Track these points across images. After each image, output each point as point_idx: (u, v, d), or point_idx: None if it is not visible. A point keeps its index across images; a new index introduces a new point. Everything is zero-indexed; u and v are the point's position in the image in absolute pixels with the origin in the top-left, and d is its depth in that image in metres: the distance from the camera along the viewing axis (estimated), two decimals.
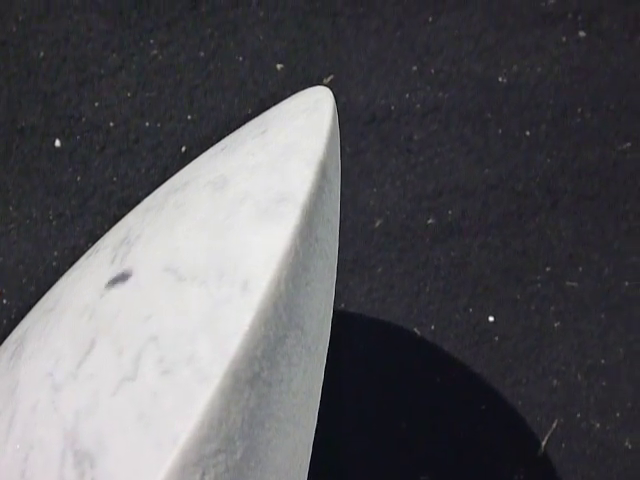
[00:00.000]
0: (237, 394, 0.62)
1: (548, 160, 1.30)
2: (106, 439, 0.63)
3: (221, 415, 0.61)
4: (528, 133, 1.31)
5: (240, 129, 0.88)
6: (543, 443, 1.17)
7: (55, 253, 1.23)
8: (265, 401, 0.64)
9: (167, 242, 0.73)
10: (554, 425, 1.18)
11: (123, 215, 1.20)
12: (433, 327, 1.21)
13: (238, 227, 0.69)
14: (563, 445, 1.18)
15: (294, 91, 1.05)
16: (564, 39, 1.38)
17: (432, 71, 1.35)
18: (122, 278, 0.73)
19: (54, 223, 1.24)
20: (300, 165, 0.71)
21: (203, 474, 0.60)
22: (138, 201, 1.21)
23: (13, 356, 0.80)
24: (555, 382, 1.20)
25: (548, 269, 1.25)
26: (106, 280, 0.75)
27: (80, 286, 0.79)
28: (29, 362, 0.76)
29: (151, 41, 1.34)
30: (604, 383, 1.21)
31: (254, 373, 0.63)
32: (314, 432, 0.73)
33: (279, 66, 1.34)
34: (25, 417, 0.71)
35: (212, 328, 0.63)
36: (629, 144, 1.31)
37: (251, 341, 0.62)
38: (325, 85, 1.32)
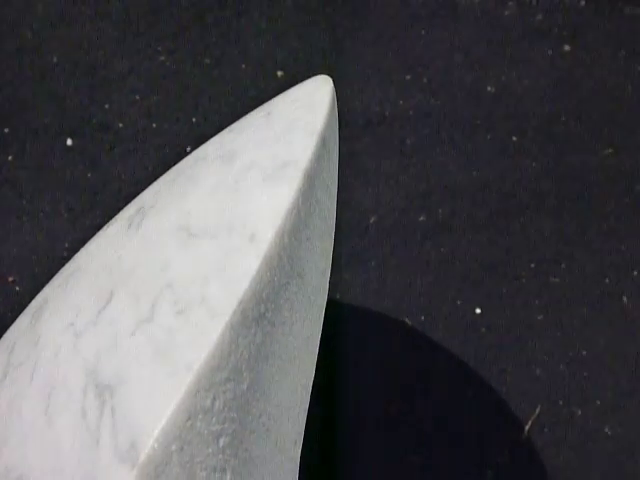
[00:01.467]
0: (245, 330, 0.68)
1: (533, 164, 1.37)
2: (125, 372, 0.69)
3: (230, 347, 0.67)
4: (515, 139, 1.38)
5: (245, 116, 0.95)
6: (526, 428, 1.23)
7: (66, 245, 1.29)
8: (269, 339, 0.71)
9: (179, 207, 0.80)
10: (537, 411, 1.24)
11: None
12: (423, 318, 1.27)
13: (246, 190, 0.76)
14: (545, 430, 1.23)
15: None
16: (550, 52, 1.46)
17: (425, 80, 1.42)
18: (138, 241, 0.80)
19: (65, 216, 1.31)
20: (302, 135, 0.78)
21: (214, 399, 0.67)
22: None
23: (33, 318, 0.86)
24: (538, 371, 1.26)
25: (532, 265, 1.31)
26: (123, 242, 0.82)
27: (98, 252, 0.86)
28: (50, 319, 0.83)
29: (159, 48, 1.42)
30: (585, 373, 1.26)
31: (260, 313, 0.70)
32: (312, 379, 0.79)
33: (279, 73, 1.42)
34: (48, 362, 0.77)
35: (223, 273, 0.70)
36: (610, 150, 1.38)
37: (258, 283, 0.69)
38: None
